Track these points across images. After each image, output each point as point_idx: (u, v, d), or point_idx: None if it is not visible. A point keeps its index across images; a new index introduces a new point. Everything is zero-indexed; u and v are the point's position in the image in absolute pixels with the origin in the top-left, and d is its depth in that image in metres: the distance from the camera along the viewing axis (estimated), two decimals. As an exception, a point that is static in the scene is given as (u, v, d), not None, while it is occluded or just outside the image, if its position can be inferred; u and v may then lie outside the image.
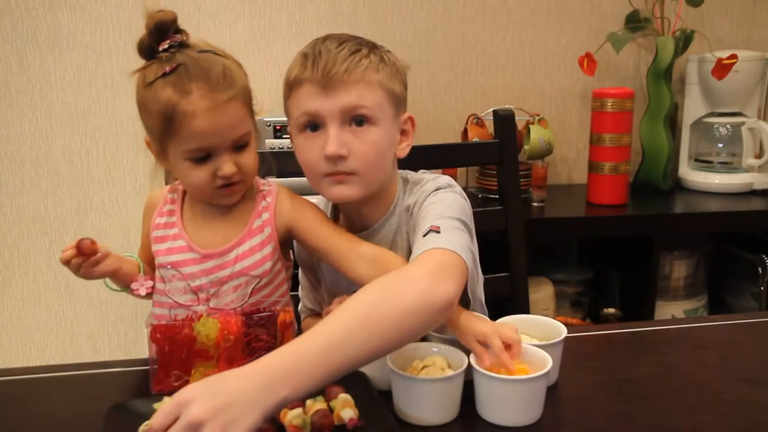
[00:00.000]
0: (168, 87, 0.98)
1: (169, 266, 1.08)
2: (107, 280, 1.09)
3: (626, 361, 1.06)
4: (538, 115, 2.18)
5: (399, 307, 0.81)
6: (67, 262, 1.03)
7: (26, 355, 2.32)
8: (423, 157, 1.18)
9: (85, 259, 1.02)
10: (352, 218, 1.13)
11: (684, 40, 2.12)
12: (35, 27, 2.12)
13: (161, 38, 1.01)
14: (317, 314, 1.22)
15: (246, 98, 1.03)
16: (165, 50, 1.01)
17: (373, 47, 1.04)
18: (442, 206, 1.01)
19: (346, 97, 0.99)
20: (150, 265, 1.15)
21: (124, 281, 1.10)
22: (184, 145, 0.99)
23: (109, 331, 2.33)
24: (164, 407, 0.71)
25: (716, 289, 2.30)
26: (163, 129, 0.99)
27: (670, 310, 2.17)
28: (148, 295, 1.12)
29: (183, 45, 1.01)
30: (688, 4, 2.13)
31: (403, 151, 1.09)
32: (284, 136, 1.91)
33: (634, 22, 2.21)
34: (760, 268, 2.12)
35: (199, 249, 1.08)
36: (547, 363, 0.86)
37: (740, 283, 2.23)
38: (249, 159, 1.04)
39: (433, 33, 2.23)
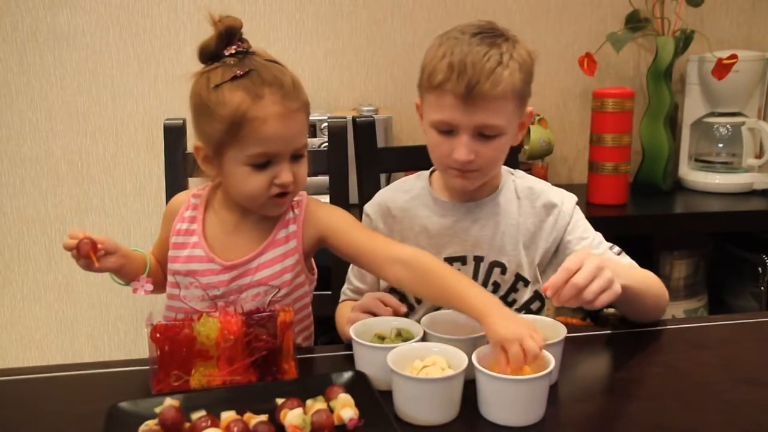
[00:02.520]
0: (239, 90, 0.97)
1: (187, 275, 1.08)
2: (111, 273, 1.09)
3: (626, 361, 1.06)
4: (538, 115, 2.18)
5: (661, 298, 1.14)
6: (69, 249, 1.03)
7: (26, 355, 2.32)
8: (423, 157, 1.18)
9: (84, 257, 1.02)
10: (457, 190, 1.19)
11: (684, 40, 2.12)
12: (35, 27, 2.12)
13: (229, 43, 1.01)
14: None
15: (308, 111, 1.05)
16: (233, 55, 1.00)
17: (511, 49, 1.08)
18: (591, 229, 1.21)
19: (483, 115, 1.06)
20: (160, 262, 1.16)
21: (128, 277, 1.10)
22: (248, 150, 0.99)
23: (109, 331, 2.33)
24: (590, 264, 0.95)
25: (716, 289, 2.29)
26: (229, 133, 0.98)
27: (670, 310, 2.15)
28: (169, 298, 1.12)
29: (249, 52, 1.02)
30: (688, 4, 2.13)
31: (518, 140, 1.17)
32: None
33: (634, 22, 2.21)
34: (760, 268, 2.12)
35: (219, 260, 1.07)
36: (549, 363, 0.86)
37: (740, 283, 2.23)
38: (304, 170, 1.05)
39: (433, 33, 2.19)
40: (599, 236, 1.20)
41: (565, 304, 0.96)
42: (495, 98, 1.05)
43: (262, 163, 1.00)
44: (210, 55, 1.02)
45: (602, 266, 0.95)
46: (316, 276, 1.17)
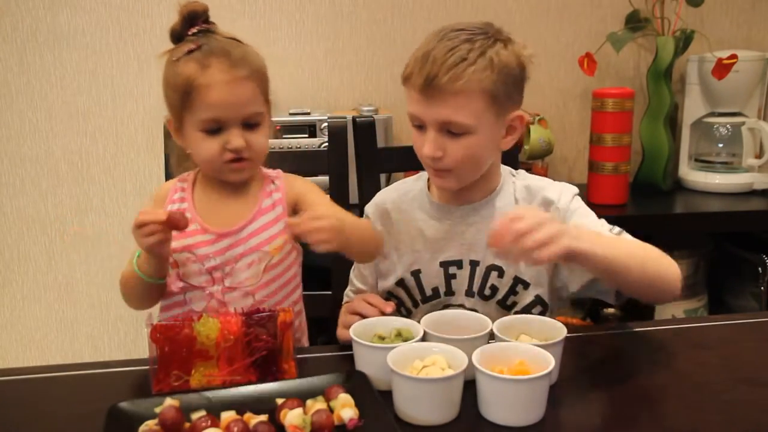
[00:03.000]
0: (191, 62, 1.07)
1: (184, 250, 1.12)
2: (137, 258, 1.09)
3: (626, 361, 1.06)
4: (538, 115, 2.17)
5: (665, 272, 1.05)
6: (143, 225, 1.02)
7: (26, 355, 2.32)
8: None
9: (166, 230, 1.02)
10: (452, 193, 1.19)
11: (684, 40, 2.11)
12: (35, 27, 2.12)
13: (191, 25, 1.11)
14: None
15: (261, 81, 1.11)
16: (194, 34, 1.10)
17: (487, 47, 1.06)
18: (593, 214, 1.16)
19: (443, 110, 1.05)
20: None
21: (158, 271, 1.10)
22: (199, 116, 1.07)
23: (109, 331, 2.33)
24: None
25: (716, 289, 2.29)
26: (183, 100, 1.07)
27: (670, 310, 2.16)
28: (156, 298, 1.14)
29: (210, 31, 1.11)
30: (688, 4, 2.13)
31: (507, 144, 1.14)
32: (284, 136, 1.92)
33: (634, 22, 2.20)
34: (760, 268, 2.12)
35: (212, 229, 1.13)
36: (549, 363, 0.86)
37: (740, 283, 2.23)
38: (259, 138, 1.11)
39: (433, 33, 2.23)
40: (602, 221, 1.15)
41: (505, 256, 0.95)
42: (455, 94, 1.03)
43: (214, 129, 1.08)
44: (177, 36, 1.12)
45: (544, 221, 0.91)
46: (302, 249, 1.20)
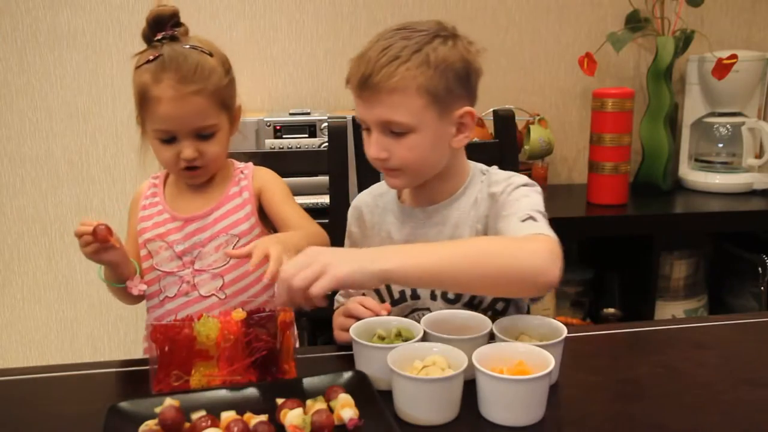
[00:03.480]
0: (147, 73, 1.12)
1: (156, 239, 1.19)
2: (102, 269, 1.16)
3: (626, 361, 1.06)
4: (538, 115, 2.18)
5: (508, 266, 0.93)
6: (80, 236, 1.09)
7: (26, 355, 2.32)
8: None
9: (95, 242, 1.09)
10: (417, 194, 1.18)
11: (684, 40, 2.12)
12: (35, 27, 2.12)
13: (158, 30, 1.14)
14: None
15: (215, 95, 1.14)
16: (159, 40, 1.13)
17: (423, 44, 1.04)
18: (531, 202, 1.06)
19: (380, 109, 1.04)
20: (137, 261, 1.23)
21: (118, 276, 1.18)
22: (153, 126, 1.14)
23: (109, 331, 2.33)
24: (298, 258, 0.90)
25: (716, 289, 2.29)
26: (139, 108, 1.15)
27: (670, 310, 2.16)
28: (136, 298, 1.22)
29: (174, 38, 1.14)
30: (688, 4, 2.13)
31: (459, 142, 1.11)
32: (284, 136, 1.92)
33: (634, 22, 2.21)
34: (760, 268, 2.12)
35: (180, 216, 1.21)
36: (549, 363, 0.86)
37: (740, 283, 2.23)
38: (212, 148, 1.16)
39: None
40: (527, 205, 1.05)
41: (291, 303, 0.91)
42: (390, 92, 1.02)
43: (167, 139, 1.14)
44: (146, 40, 1.16)
45: (310, 263, 0.89)
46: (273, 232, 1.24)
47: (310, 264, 0.89)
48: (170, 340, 0.94)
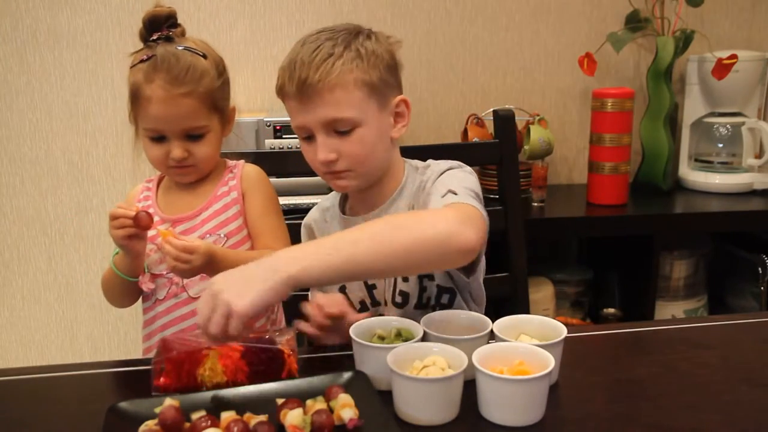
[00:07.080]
0: (139, 72, 1.13)
1: (148, 242, 1.18)
2: (115, 256, 1.17)
3: (626, 361, 1.06)
4: (538, 115, 2.18)
5: (414, 237, 0.90)
6: (115, 218, 1.10)
7: (26, 355, 2.32)
8: (423, 157, 1.18)
9: (135, 227, 1.10)
10: (359, 201, 1.17)
11: (684, 40, 2.12)
12: (35, 27, 2.12)
13: (154, 30, 1.15)
14: None
15: (206, 97, 1.15)
16: (153, 40, 1.15)
17: (350, 40, 1.05)
18: (456, 180, 1.05)
19: (323, 109, 1.03)
20: None
21: (132, 270, 1.18)
22: (144, 124, 1.16)
23: (109, 331, 2.33)
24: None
25: (716, 289, 2.29)
26: (132, 106, 1.16)
27: (670, 310, 2.17)
28: (132, 297, 1.23)
29: (169, 39, 1.14)
30: (688, 4, 2.13)
31: (398, 132, 1.12)
32: (284, 136, 1.92)
33: (634, 22, 2.21)
34: (760, 268, 2.12)
35: (168, 217, 1.21)
36: (549, 363, 0.86)
37: (740, 283, 2.23)
38: (202, 149, 1.17)
39: (433, 33, 2.23)
40: (448, 186, 1.03)
41: (217, 342, 0.89)
42: (331, 89, 1.01)
43: (157, 137, 1.16)
44: (142, 40, 1.17)
45: (210, 304, 0.85)
46: None
47: (215, 307, 0.85)
48: (177, 347, 0.95)
